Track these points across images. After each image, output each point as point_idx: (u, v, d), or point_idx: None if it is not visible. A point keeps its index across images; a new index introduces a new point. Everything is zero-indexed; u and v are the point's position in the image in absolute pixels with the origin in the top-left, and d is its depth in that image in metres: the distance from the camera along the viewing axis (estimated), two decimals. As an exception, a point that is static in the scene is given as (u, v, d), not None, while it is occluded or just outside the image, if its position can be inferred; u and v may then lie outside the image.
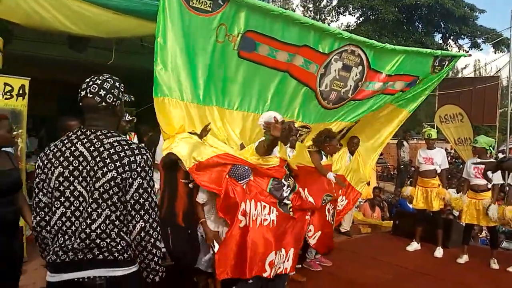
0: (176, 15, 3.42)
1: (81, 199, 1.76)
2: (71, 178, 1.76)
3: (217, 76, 3.80)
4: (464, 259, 5.70)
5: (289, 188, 3.65)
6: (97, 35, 3.98)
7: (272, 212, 3.47)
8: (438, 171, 6.00)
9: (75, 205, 1.76)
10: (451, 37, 16.10)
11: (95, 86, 1.84)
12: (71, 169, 1.77)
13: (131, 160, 1.77)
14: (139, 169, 1.78)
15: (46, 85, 8.25)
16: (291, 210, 3.73)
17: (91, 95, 1.83)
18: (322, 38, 4.33)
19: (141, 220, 1.78)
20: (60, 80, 8.20)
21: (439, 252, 5.91)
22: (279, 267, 3.46)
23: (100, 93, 1.83)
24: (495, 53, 15.78)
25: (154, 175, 2.02)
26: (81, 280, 1.73)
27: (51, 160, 1.81)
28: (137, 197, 1.77)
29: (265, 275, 3.33)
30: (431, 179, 5.98)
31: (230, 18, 3.70)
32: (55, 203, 1.78)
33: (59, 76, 7.72)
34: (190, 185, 3.38)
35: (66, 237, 1.75)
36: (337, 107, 4.92)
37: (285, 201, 3.62)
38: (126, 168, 1.76)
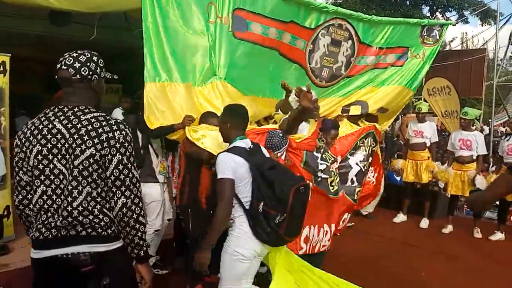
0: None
1: (61, 177, 1.75)
2: (50, 156, 1.75)
3: (216, 59, 3.71)
4: (448, 229, 5.86)
5: (324, 161, 3.51)
6: (78, 9, 3.86)
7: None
8: (428, 144, 6.08)
9: (55, 183, 1.75)
10: (439, 10, 16.00)
11: (70, 58, 1.80)
12: (49, 147, 1.75)
13: (110, 136, 1.75)
14: (118, 145, 1.76)
15: (28, 62, 8.06)
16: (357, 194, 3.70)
17: (65, 67, 1.79)
18: (308, 12, 4.27)
19: (123, 196, 1.77)
20: (43, 57, 8.03)
21: (425, 223, 6.06)
22: (316, 244, 3.37)
23: (74, 65, 1.80)
24: (482, 25, 15.79)
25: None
26: (64, 256, 1.74)
27: (28, 138, 1.78)
28: (117, 174, 1.76)
29: (301, 252, 3.23)
30: (421, 151, 6.07)
31: None
32: (35, 181, 1.77)
33: (42, 52, 7.55)
34: (213, 169, 3.32)
35: (49, 214, 1.75)
36: (331, 84, 4.82)
37: (321, 174, 3.47)
38: (105, 144, 1.74)
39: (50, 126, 1.77)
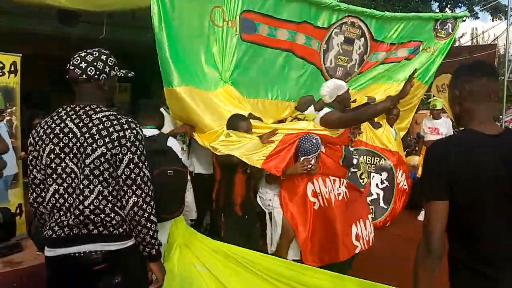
0: (168, 2, 3.35)
1: (73, 175, 1.76)
2: (62, 155, 1.76)
3: (222, 63, 3.71)
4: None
5: (355, 156, 3.60)
6: (86, 8, 3.89)
7: (342, 184, 3.34)
8: None
9: (67, 181, 1.76)
10: (448, 5, 15.83)
11: (78, 58, 1.81)
12: (61, 146, 1.76)
13: (120, 135, 1.76)
14: (129, 144, 1.76)
15: (38, 61, 8.11)
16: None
17: (72, 68, 1.81)
18: (320, 12, 4.25)
19: (134, 195, 1.77)
20: (52, 56, 8.08)
21: (422, 216, 6.04)
22: (368, 237, 3.37)
23: (81, 65, 1.80)
24: (493, 20, 15.59)
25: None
26: (76, 254, 1.74)
27: (41, 137, 1.80)
28: (128, 172, 1.77)
29: (357, 250, 3.24)
30: None
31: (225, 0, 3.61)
32: (48, 180, 1.78)
33: (51, 51, 7.59)
34: (248, 172, 3.36)
35: (61, 213, 1.77)
36: (348, 81, 4.77)
37: (351, 169, 3.54)
38: (116, 143, 1.74)
39: (62, 125, 1.78)
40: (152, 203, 1.82)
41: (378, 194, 5.01)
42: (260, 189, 3.46)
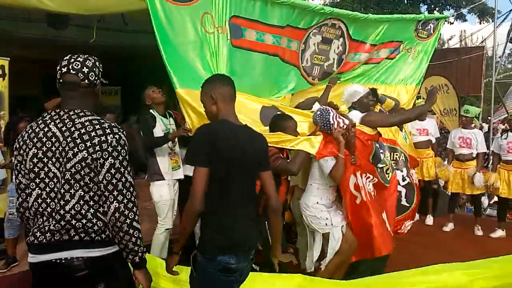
0: (161, 12, 3.36)
1: (55, 180, 1.75)
2: (45, 159, 1.75)
3: (217, 69, 3.70)
4: (449, 227, 5.88)
5: (382, 151, 3.66)
6: (75, 12, 3.86)
7: (371, 181, 3.39)
8: (433, 141, 6.09)
9: (50, 186, 1.75)
10: (437, 8, 16.01)
11: (77, 63, 1.81)
12: (44, 150, 1.76)
13: (102, 140, 1.74)
14: (110, 149, 1.75)
15: (27, 65, 8.06)
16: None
17: (74, 72, 1.80)
18: (302, 15, 4.29)
19: (115, 201, 1.74)
20: (42, 60, 8.02)
21: (430, 220, 6.09)
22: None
23: (83, 70, 1.81)
24: (480, 23, 15.78)
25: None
26: (58, 261, 1.72)
27: (26, 141, 1.79)
28: (109, 178, 1.74)
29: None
30: (426, 149, 6.06)
31: (214, 6, 3.64)
32: (31, 184, 1.77)
33: (41, 55, 7.54)
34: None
35: (44, 218, 1.75)
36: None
37: (379, 164, 3.60)
38: (97, 148, 1.73)
39: (46, 129, 1.78)
40: (134, 209, 1.78)
41: (399, 192, 4.77)
42: (308, 207, 3.31)
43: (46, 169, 1.75)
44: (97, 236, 1.76)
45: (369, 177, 3.37)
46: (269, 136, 3.10)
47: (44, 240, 1.74)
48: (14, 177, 1.88)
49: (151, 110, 3.96)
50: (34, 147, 1.77)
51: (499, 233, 5.65)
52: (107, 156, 1.74)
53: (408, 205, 4.78)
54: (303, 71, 4.57)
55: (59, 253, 1.73)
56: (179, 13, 3.48)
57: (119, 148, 1.77)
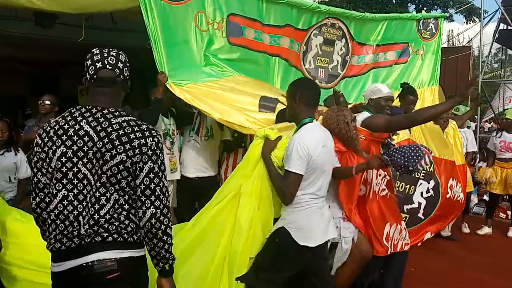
0: (156, 11, 3.37)
1: (85, 181, 1.66)
2: (75, 159, 1.66)
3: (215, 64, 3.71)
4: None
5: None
6: (63, 10, 3.83)
7: (385, 181, 3.22)
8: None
9: (78, 188, 1.66)
10: (425, 8, 16.17)
11: (112, 58, 1.74)
12: (74, 149, 1.66)
13: (142, 142, 1.67)
14: (150, 153, 1.69)
15: (13, 63, 7.97)
16: None
17: (110, 67, 1.73)
18: (301, 14, 4.30)
19: (152, 206, 1.68)
20: (30, 59, 7.94)
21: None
22: (397, 242, 3.21)
23: (118, 65, 1.75)
24: (467, 23, 15.96)
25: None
26: (90, 263, 1.63)
27: (52, 138, 1.68)
28: (148, 182, 1.68)
29: (386, 252, 3.13)
30: None
31: (208, 3, 3.64)
32: (57, 185, 1.67)
33: (28, 54, 7.46)
34: None
35: (67, 222, 1.65)
36: (333, 86, 4.71)
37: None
38: (137, 151, 1.66)
39: (77, 127, 1.68)
40: (169, 215, 1.74)
41: (419, 204, 4.58)
42: None
43: (75, 169, 1.66)
44: (129, 237, 1.70)
45: (381, 174, 3.16)
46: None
47: (73, 244, 1.65)
48: (32, 175, 1.76)
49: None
50: (63, 145, 1.67)
51: (486, 230, 5.74)
52: (146, 160, 1.68)
53: (423, 218, 4.61)
54: (307, 73, 4.52)
55: (91, 255, 1.64)
56: (172, 11, 3.48)
57: (158, 151, 1.72)
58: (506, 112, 6.01)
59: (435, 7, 15.94)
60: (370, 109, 3.48)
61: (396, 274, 3.34)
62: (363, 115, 3.40)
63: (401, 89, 4.39)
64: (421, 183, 4.47)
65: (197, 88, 3.43)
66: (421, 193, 4.45)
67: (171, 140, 3.90)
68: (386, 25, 5.04)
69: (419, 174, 4.46)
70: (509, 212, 6.45)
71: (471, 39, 13.53)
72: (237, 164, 3.67)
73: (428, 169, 4.39)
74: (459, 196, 4.70)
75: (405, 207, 4.47)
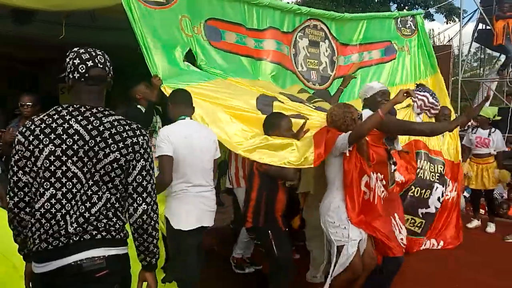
0: (141, 16, 3.35)
1: (74, 180, 1.66)
2: (64, 158, 1.66)
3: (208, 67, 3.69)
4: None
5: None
6: (42, 7, 3.77)
7: (382, 181, 3.17)
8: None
9: (67, 186, 1.66)
10: (406, 7, 16.39)
11: (100, 57, 1.76)
12: (64, 148, 1.65)
13: (134, 141, 1.72)
14: (142, 151, 1.74)
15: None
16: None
17: (101, 66, 1.76)
18: (283, 16, 4.30)
19: (144, 203, 1.73)
20: (8, 56, 7.77)
21: None
22: (401, 238, 3.23)
23: (107, 64, 1.78)
24: (447, 23, 16.22)
25: None
26: (78, 262, 1.63)
27: (38, 136, 1.66)
28: (140, 180, 1.73)
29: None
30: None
31: (190, 8, 3.62)
32: (44, 184, 1.66)
33: (7, 51, 7.30)
34: (287, 184, 3.25)
35: (53, 221, 1.64)
36: (326, 87, 4.74)
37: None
38: (130, 149, 1.70)
39: (65, 125, 1.68)
40: (157, 211, 1.80)
41: (436, 208, 4.62)
42: (329, 210, 3.03)
43: (64, 168, 1.66)
44: (117, 235, 1.73)
45: (378, 177, 3.15)
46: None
47: (60, 244, 1.64)
48: (11, 174, 1.73)
49: (138, 106, 3.95)
50: (51, 144, 1.66)
51: (475, 223, 5.87)
52: (139, 158, 1.73)
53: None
54: (301, 76, 4.52)
55: (79, 254, 1.64)
56: (156, 16, 3.45)
57: (148, 150, 1.78)
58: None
59: (416, 6, 16.16)
60: (370, 108, 3.42)
61: (385, 278, 3.25)
62: (366, 113, 3.33)
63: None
64: (437, 187, 4.50)
65: (192, 90, 3.39)
66: (438, 198, 4.49)
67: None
68: (366, 24, 5.10)
69: (434, 177, 4.50)
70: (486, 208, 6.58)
71: (451, 38, 13.77)
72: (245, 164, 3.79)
73: (441, 171, 4.54)
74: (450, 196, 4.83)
75: (420, 210, 4.50)
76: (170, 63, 3.51)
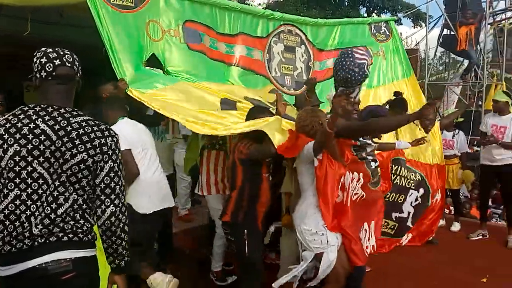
0: (107, 18, 3.28)
1: (40, 181, 1.63)
2: (30, 158, 1.62)
3: (178, 69, 3.63)
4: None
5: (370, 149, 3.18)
6: (6, 1, 3.65)
7: (360, 183, 2.99)
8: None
9: (32, 187, 1.62)
10: (375, 11, 16.74)
11: (68, 56, 1.74)
12: (29, 148, 1.62)
13: (102, 142, 1.69)
14: (110, 152, 1.71)
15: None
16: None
17: (69, 65, 1.73)
18: (257, 21, 4.30)
19: (112, 205, 1.71)
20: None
21: None
22: (366, 246, 3.02)
23: (75, 63, 1.75)
24: (414, 27, 16.68)
25: None
26: (43, 265, 1.60)
27: (2, 136, 1.63)
28: (108, 181, 1.70)
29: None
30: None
31: (160, 12, 3.56)
32: (8, 184, 1.62)
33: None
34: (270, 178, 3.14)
35: (18, 223, 1.60)
36: (302, 92, 4.68)
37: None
38: (98, 150, 1.67)
39: (32, 125, 1.64)
40: (126, 213, 1.78)
41: (409, 213, 4.73)
42: (305, 218, 2.89)
43: (29, 168, 1.63)
44: (84, 237, 1.70)
45: (359, 179, 3.01)
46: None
47: (24, 246, 1.60)
48: None
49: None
50: (16, 144, 1.62)
51: (440, 222, 5.98)
52: (107, 159, 1.71)
53: (411, 226, 4.79)
54: (275, 81, 4.50)
55: (44, 256, 1.61)
56: (123, 19, 3.38)
57: (117, 151, 1.75)
58: (444, 112, 6.34)
59: (385, 10, 16.54)
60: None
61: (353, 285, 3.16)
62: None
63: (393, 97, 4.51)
64: (411, 193, 4.61)
65: (158, 93, 3.35)
66: (411, 202, 4.60)
67: None
68: (340, 30, 5.17)
69: (410, 184, 4.60)
70: (452, 208, 6.79)
71: (418, 43, 14.14)
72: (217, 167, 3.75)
73: (417, 178, 4.61)
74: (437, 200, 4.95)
75: (394, 214, 4.60)
76: (135, 67, 3.45)
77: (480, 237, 5.57)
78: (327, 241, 2.79)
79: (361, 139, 3.09)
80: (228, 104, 3.50)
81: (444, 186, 5.36)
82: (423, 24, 15.08)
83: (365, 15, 16.79)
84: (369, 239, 3.09)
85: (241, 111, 3.45)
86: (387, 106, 4.23)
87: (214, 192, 3.83)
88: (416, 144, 4.45)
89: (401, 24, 19.90)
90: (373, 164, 3.15)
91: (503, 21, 10.77)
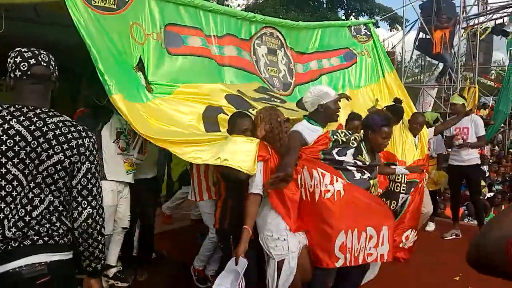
0: (89, 21, 3.12)
1: (15, 183, 1.58)
2: (3, 160, 1.58)
3: (157, 78, 3.49)
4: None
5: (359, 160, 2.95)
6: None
7: (337, 181, 2.76)
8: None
9: (6, 189, 1.58)
10: (353, 14, 16.98)
11: (44, 55, 1.71)
12: (3, 149, 1.58)
13: (79, 143, 1.66)
14: (87, 153, 1.68)
15: None
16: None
17: (44, 64, 1.69)
18: (241, 24, 4.29)
19: (89, 207, 1.67)
20: None
21: None
22: (358, 253, 2.78)
23: (51, 63, 1.72)
24: (391, 30, 16.99)
25: None
26: (17, 269, 1.55)
27: None
28: (85, 183, 1.67)
29: (338, 264, 2.73)
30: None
31: (143, 15, 3.47)
32: None
33: None
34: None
35: None
36: (290, 94, 4.64)
37: (358, 174, 2.91)
38: (75, 151, 1.64)
39: (5, 126, 1.60)
40: (103, 215, 1.74)
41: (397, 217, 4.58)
42: (266, 223, 2.76)
43: (3, 170, 1.58)
44: (60, 240, 1.66)
45: (332, 177, 2.79)
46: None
47: None
48: None
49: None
50: None
51: (432, 226, 6.06)
52: (84, 160, 1.67)
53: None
54: (267, 82, 4.43)
55: (18, 260, 1.56)
56: (105, 21, 3.23)
57: (94, 152, 1.72)
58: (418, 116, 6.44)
59: (362, 13, 16.80)
60: (317, 117, 3.05)
61: None
62: (301, 125, 3.02)
63: (393, 102, 4.47)
64: (402, 197, 4.55)
65: (136, 107, 3.16)
66: (402, 205, 4.56)
67: (127, 140, 3.60)
68: (321, 32, 5.20)
69: (398, 188, 4.51)
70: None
71: (395, 46, 14.41)
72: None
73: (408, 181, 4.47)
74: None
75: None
76: (120, 72, 3.32)
77: (454, 236, 5.70)
78: (288, 248, 2.69)
79: (373, 160, 3.02)
80: (213, 112, 3.40)
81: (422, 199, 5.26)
82: (400, 28, 15.38)
83: (343, 17, 17.01)
84: (376, 246, 2.86)
85: (223, 122, 3.30)
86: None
87: (206, 198, 3.75)
88: (413, 172, 4.44)
89: (378, 27, 20.24)
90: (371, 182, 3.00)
91: (476, 26, 11.08)
